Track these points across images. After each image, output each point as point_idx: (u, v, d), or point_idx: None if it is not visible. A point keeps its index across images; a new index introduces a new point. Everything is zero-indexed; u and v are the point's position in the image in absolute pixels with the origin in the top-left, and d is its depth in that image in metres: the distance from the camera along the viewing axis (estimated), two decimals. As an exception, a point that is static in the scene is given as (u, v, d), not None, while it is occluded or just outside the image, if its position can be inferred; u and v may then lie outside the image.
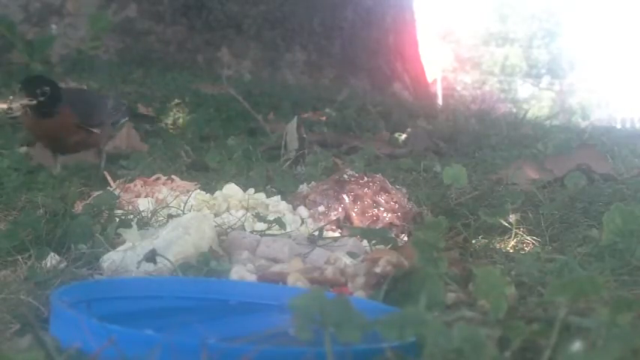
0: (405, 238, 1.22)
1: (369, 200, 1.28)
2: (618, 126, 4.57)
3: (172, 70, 3.68)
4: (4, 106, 2.48)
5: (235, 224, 1.17)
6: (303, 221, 1.24)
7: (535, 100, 13.56)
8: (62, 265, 0.95)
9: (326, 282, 0.87)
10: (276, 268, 0.94)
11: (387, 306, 0.77)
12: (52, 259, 0.96)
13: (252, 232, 1.16)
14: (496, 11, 15.26)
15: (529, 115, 4.19)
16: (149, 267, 0.92)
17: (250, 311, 0.83)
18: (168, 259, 0.92)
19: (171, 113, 2.81)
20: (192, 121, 2.71)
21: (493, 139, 2.78)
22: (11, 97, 1.60)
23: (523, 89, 14.59)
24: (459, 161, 1.89)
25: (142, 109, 2.58)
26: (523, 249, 1.20)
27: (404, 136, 2.75)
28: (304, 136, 1.96)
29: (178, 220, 1.04)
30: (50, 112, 1.57)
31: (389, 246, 1.07)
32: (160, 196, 1.33)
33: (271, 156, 2.04)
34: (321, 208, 1.27)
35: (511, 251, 1.18)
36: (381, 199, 1.29)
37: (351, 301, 0.60)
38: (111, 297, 0.80)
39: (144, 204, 1.27)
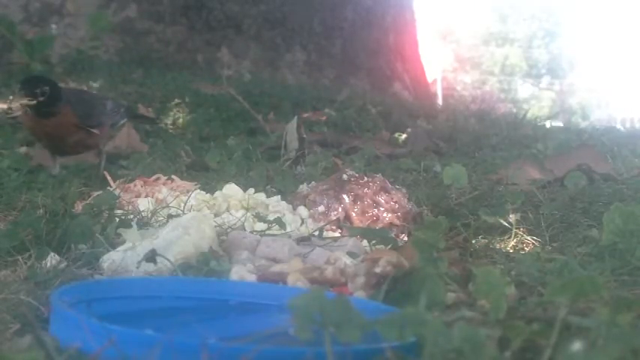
0: (405, 238, 1.22)
1: (369, 200, 1.28)
2: (618, 126, 4.57)
3: (172, 70, 3.68)
4: (4, 106, 2.48)
5: (235, 224, 1.17)
6: (303, 221, 1.24)
7: (535, 100, 13.57)
8: (62, 265, 0.95)
9: (326, 282, 0.87)
10: (276, 268, 0.94)
11: (387, 306, 0.77)
12: (52, 259, 0.96)
13: (252, 232, 1.16)
14: (496, 11, 15.26)
15: (529, 115, 4.20)
16: (149, 267, 0.92)
17: (250, 311, 0.83)
18: (168, 259, 0.92)
19: (171, 113, 2.81)
20: (192, 121, 2.71)
21: (493, 139, 2.78)
22: (11, 97, 1.59)
23: (523, 89, 14.60)
24: (459, 161, 1.89)
25: (142, 109, 2.58)
26: (523, 249, 1.20)
27: (404, 136, 2.75)
28: (304, 136, 1.96)
29: (178, 220, 1.04)
30: (50, 112, 1.57)
31: (389, 246, 1.07)
32: (160, 196, 1.33)
33: (271, 156, 2.04)
34: (321, 208, 1.27)
35: (511, 251, 1.18)
36: (381, 199, 1.29)
37: (351, 301, 0.60)
38: (111, 297, 0.80)
39: (144, 204, 1.27)
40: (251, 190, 1.32)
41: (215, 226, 1.09)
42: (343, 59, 4.52)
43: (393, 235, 1.16)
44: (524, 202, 1.42)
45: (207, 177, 1.64)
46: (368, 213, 1.27)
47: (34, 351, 0.58)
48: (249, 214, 1.23)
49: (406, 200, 1.32)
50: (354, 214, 1.26)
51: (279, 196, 1.33)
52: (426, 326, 0.58)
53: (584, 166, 1.73)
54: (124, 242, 1.03)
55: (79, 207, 1.23)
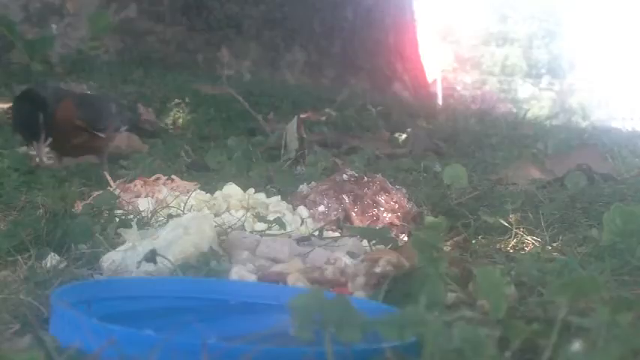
0: (405, 238, 1.22)
1: (369, 200, 1.28)
2: (618, 126, 4.58)
3: (172, 70, 3.68)
4: (4, 106, 2.48)
5: (235, 224, 1.17)
6: (303, 221, 1.24)
7: (535, 100, 13.55)
8: (62, 265, 0.95)
9: (326, 282, 0.87)
10: (276, 268, 0.94)
11: (387, 306, 0.77)
12: (52, 259, 0.96)
13: (252, 232, 1.16)
14: (496, 11, 15.26)
15: (529, 115, 4.20)
16: (149, 267, 0.92)
17: (250, 311, 0.83)
18: (168, 259, 0.92)
19: (171, 113, 2.81)
20: (192, 121, 2.71)
21: (493, 139, 2.78)
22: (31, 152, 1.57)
23: (523, 89, 14.59)
24: (458, 161, 1.89)
25: (142, 109, 2.58)
26: (523, 249, 1.20)
27: (404, 136, 2.75)
28: (304, 136, 1.96)
29: (178, 220, 1.04)
30: (52, 113, 1.54)
31: (389, 246, 1.07)
32: (160, 196, 1.33)
33: (271, 156, 2.04)
34: (321, 208, 1.27)
35: (511, 251, 1.18)
36: (381, 199, 1.29)
37: (351, 301, 0.60)
38: (111, 297, 0.80)
39: (144, 204, 1.27)
40: (251, 190, 1.32)
41: (215, 226, 1.09)
42: (343, 59, 4.52)
43: (393, 235, 1.16)
44: (524, 202, 1.42)
45: (207, 177, 1.64)
46: (368, 213, 1.27)
47: (34, 351, 0.58)
48: (249, 214, 1.23)
49: (406, 200, 1.32)
50: (354, 214, 1.26)
51: (279, 196, 1.33)
52: (426, 326, 0.58)
53: (584, 166, 1.73)
54: (124, 242, 1.02)
55: (79, 207, 1.23)
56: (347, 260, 0.94)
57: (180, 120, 2.76)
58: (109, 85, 3.04)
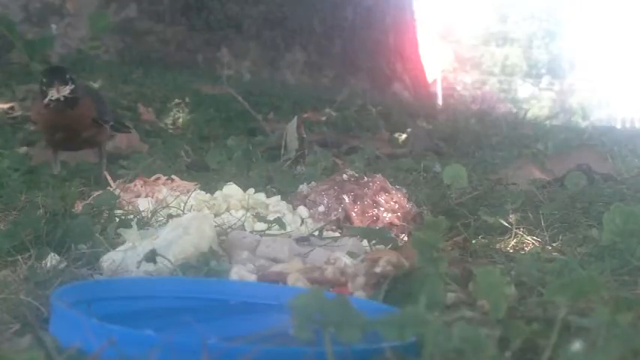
0: (405, 238, 1.22)
1: (369, 200, 1.28)
2: (618, 126, 4.58)
3: (172, 70, 3.68)
4: (4, 106, 2.48)
5: (235, 224, 1.17)
6: (303, 221, 1.24)
7: (535, 100, 13.56)
8: (62, 265, 0.95)
9: (326, 282, 0.87)
10: (276, 268, 0.94)
11: (387, 306, 0.77)
12: (52, 259, 0.96)
13: (252, 232, 1.16)
14: (496, 11, 15.27)
15: (529, 115, 4.20)
16: (149, 267, 0.92)
17: (250, 311, 0.83)
18: (168, 259, 0.92)
19: (172, 113, 2.81)
20: (192, 121, 2.71)
21: (493, 139, 2.78)
22: (43, 89, 1.53)
23: (523, 89, 14.60)
24: (458, 161, 1.89)
25: (142, 109, 2.58)
26: (523, 249, 1.20)
27: (404, 136, 2.75)
28: (304, 136, 1.96)
29: (178, 220, 1.04)
30: (75, 101, 1.52)
31: (389, 246, 1.07)
32: (160, 196, 1.33)
33: (271, 156, 2.04)
34: (321, 208, 1.27)
35: (511, 251, 1.18)
36: (381, 199, 1.29)
37: (351, 301, 0.60)
38: (111, 297, 0.80)
39: (144, 204, 1.27)
40: (251, 190, 1.32)
41: (215, 226, 1.09)
42: (343, 59, 4.52)
43: (393, 235, 1.16)
44: (524, 202, 1.42)
45: (207, 177, 1.64)
46: (368, 213, 1.27)
47: (34, 351, 0.58)
48: (249, 214, 1.23)
49: (406, 200, 1.32)
50: (354, 214, 1.26)
51: (279, 196, 1.33)
52: (426, 326, 0.58)
53: (584, 166, 1.73)
54: (124, 242, 1.03)
55: (79, 207, 1.23)
56: (347, 260, 0.94)
57: (180, 120, 2.76)
58: (108, 85, 3.04)
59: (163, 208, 1.23)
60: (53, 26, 3.74)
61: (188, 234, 0.98)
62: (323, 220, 1.24)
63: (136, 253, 0.95)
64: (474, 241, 1.20)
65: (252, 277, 0.92)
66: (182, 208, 1.23)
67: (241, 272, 0.92)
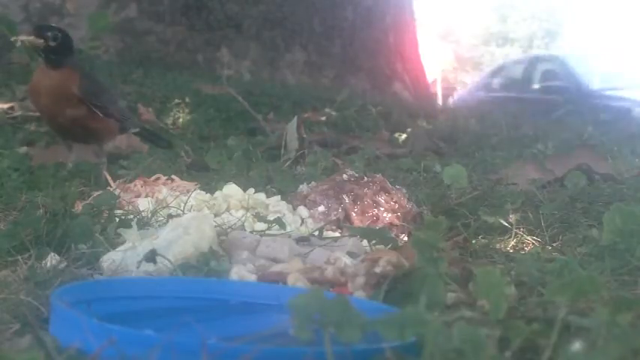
0: (405, 238, 1.22)
1: (369, 200, 1.28)
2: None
3: (172, 70, 3.68)
4: (4, 106, 2.48)
5: (235, 224, 1.17)
6: (303, 221, 1.24)
7: (535, 100, 13.53)
8: (62, 265, 0.95)
9: (326, 282, 0.87)
10: (276, 268, 0.94)
11: (387, 306, 0.77)
12: (52, 259, 0.96)
13: (252, 232, 1.16)
14: (496, 11, 15.27)
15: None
16: (149, 267, 0.92)
17: (250, 311, 0.83)
18: (168, 259, 0.92)
19: (171, 113, 2.81)
20: (192, 121, 2.71)
21: (493, 139, 2.78)
22: (21, 38, 1.57)
23: (523, 89, 14.57)
24: (458, 161, 1.89)
25: (142, 109, 2.58)
26: (523, 249, 1.20)
27: (404, 136, 2.75)
28: (304, 136, 1.96)
29: (178, 220, 1.04)
30: (58, 62, 1.54)
31: (389, 246, 1.07)
32: (160, 196, 1.33)
33: (271, 156, 2.04)
34: (321, 208, 1.27)
35: (511, 251, 1.18)
36: (381, 199, 1.29)
37: (351, 301, 0.60)
38: (111, 297, 0.80)
39: (144, 204, 1.27)
40: (251, 190, 1.32)
41: (215, 226, 1.09)
42: (343, 59, 4.52)
43: (393, 235, 1.16)
44: (524, 202, 1.42)
45: (207, 177, 1.64)
46: (368, 213, 1.27)
47: (34, 351, 0.58)
48: (249, 214, 1.23)
49: (406, 200, 1.32)
50: (354, 214, 1.26)
51: (279, 196, 1.33)
52: (426, 326, 0.58)
53: (584, 166, 1.73)
54: (124, 242, 1.03)
55: (79, 207, 1.23)
56: (347, 260, 0.94)
57: (180, 120, 2.76)
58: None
59: (163, 208, 1.23)
60: (53, 26, 3.73)
61: (188, 234, 0.98)
62: (323, 220, 1.24)
63: (136, 253, 0.95)
64: (474, 241, 1.20)
65: (252, 277, 0.92)
66: (182, 208, 1.23)
67: (241, 272, 0.92)
